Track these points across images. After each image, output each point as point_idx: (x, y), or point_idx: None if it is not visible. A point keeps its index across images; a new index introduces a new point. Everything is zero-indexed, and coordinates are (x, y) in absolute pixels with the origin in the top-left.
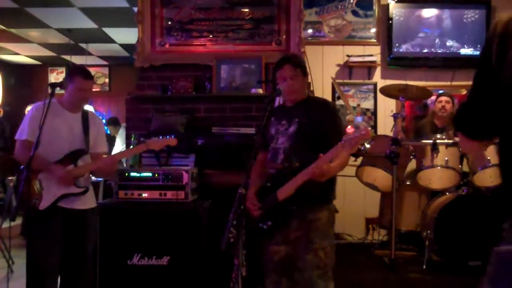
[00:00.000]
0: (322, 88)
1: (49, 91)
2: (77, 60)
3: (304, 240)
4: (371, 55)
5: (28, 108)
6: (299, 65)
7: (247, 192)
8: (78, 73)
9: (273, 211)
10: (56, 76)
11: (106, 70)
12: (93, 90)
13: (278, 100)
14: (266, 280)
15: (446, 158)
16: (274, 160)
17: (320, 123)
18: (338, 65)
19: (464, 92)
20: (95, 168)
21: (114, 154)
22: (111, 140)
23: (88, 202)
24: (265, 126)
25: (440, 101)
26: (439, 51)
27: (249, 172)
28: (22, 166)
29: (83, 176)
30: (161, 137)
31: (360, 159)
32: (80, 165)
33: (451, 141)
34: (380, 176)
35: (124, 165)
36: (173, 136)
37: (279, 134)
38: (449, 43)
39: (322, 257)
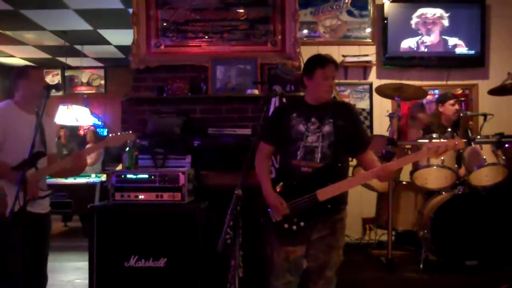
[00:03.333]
0: None
1: (44, 93)
2: (72, 62)
3: (331, 239)
4: (367, 55)
5: None
6: (337, 68)
7: (268, 191)
8: (29, 68)
9: (308, 211)
10: (52, 78)
11: (101, 72)
12: (89, 92)
13: (274, 101)
14: (276, 282)
15: (442, 158)
16: (310, 158)
17: (353, 127)
18: None
19: (459, 91)
20: (59, 168)
21: (81, 150)
22: None
23: (47, 206)
24: (283, 121)
25: (453, 104)
26: (434, 51)
27: (246, 173)
28: None
29: (44, 178)
30: (118, 133)
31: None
32: (40, 167)
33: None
34: None
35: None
36: (130, 132)
37: (309, 132)
38: (444, 42)
39: (340, 255)
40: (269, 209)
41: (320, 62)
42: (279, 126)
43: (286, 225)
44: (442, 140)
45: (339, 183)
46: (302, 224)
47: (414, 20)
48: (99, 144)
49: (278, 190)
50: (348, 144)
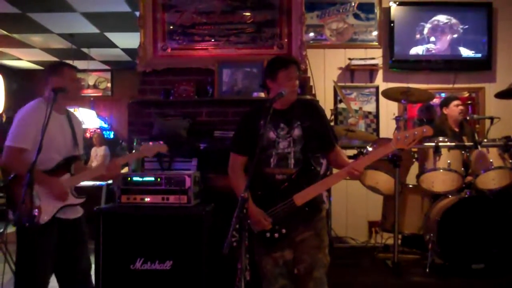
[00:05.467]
0: (324, 91)
1: (52, 96)
2: (79, 64)
3: (314, 240)
4: (373, 58)
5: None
6: (300, 69)
7: (249, 205)
8: (65, 65)
9: (288, 217)
10: None
11: (108, 75)
12: (96, 94)
13: None
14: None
15: (448, 161)
16: (283, 165)
17: (320, 125)
18: (340, 68)
19: (466, 94)
20: (95, 175)
21: (116, 159)
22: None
23: (80, 210)
24: (252, 129)
25: (458, 105)
26: (441, 54)
27: (251, 176)
28: (12, 175)
29: (77, 184)
30: (151, 143)
31: None
32: (74, 171)
33: (453, 143)
34: (383, 179)
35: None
36: (161, 142)
37: (280, 138)
38: (451, 45)
39: (327, 255)
40: (248, 221)
41: (282, 63)
42: (249, 135)
43: (268, 234)
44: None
45: (315, 185)
46: (283, 231)
47: (421, 26)
48: (134, 154)
49: (253, 203)
50: (317, 143)
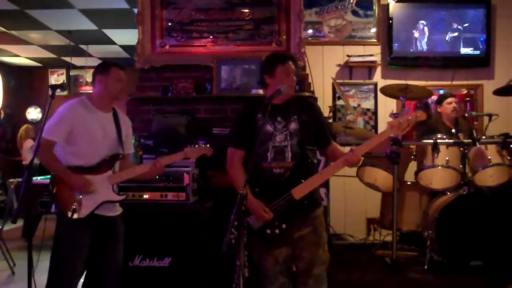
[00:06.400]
0: (322, 88)
1: (50, 93)
2: (77, 61)
3: (313, 236)
4: (371, 55)
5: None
6: (296, 64)
7: (250, 199)
8: (113, 65)
9: (287, 212)
10: (57, 77)
11: None
12: None
13: None
14: (270, 286)
15: (447, 158)
16: (280, 158)
17: (316, 121)
18: (339, 65)
19: (464, 91)
20: (137, 174)
21: (160, 159)
22: None
23: (118, 208)
24: (249, 123)
25: (450, 103)
26: (439, 51)
27: (249, 172)
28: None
29: (121, 182)
30: (196, 145)
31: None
32: (117, 169)
33: (451, 140)
34: (381, 176)
35: None
36: (208, 145)
37: (277, 132)
38: (449, 42)
39: (326, 251)
40: (247, 218)
41: (280, 59)
42: (247, 129)
43: (268, 231)
44: (407, 117)
45: (312, 178)
46: (283, 226)
47: (420, 23)
48: (178, 155)
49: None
50: (313, 138)
